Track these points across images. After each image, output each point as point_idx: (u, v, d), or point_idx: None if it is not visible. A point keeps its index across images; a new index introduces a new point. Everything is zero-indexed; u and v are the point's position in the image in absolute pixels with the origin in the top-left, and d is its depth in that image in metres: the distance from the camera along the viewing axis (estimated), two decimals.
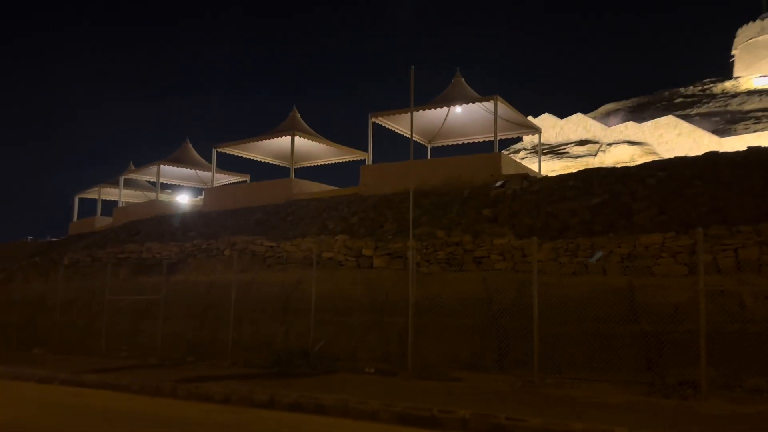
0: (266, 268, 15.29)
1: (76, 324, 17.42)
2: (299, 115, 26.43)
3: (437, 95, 22.00)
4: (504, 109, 20.44)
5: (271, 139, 25.41)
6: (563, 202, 13.70)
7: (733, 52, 46.50)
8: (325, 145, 25.89)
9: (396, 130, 23.21)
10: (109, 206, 36.99)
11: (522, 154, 36.24)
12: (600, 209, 12.71)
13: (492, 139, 27.51)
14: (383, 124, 22.66)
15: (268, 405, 9.00)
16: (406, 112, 21.20)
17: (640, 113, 38.36)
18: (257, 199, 23.08)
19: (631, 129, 34.89)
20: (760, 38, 43.84)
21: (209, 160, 31.09)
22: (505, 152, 25.91)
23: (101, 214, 34.57)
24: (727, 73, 44.99)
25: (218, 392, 9.74)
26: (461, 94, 21.37)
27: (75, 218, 37.51)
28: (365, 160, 27.36)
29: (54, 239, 39.09)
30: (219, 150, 26.50)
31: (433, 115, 22.68)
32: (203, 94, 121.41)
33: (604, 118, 39.28)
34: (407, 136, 24.37)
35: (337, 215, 17.71)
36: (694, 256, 9.58)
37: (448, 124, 23.93)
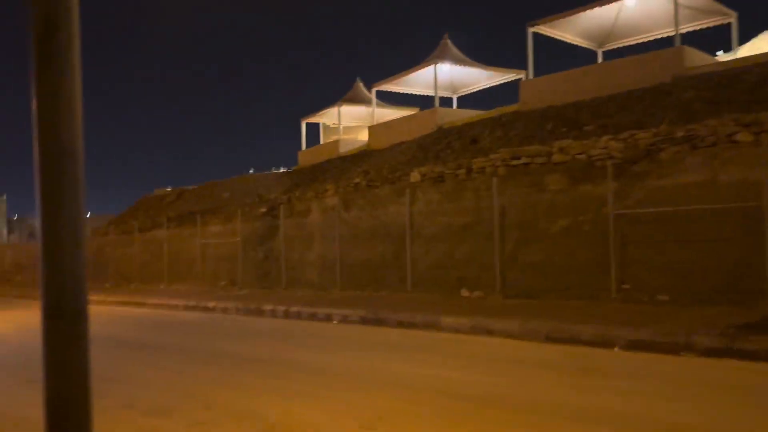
0: None
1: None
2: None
3: None
4: None
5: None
6: None
7: None
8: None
9: (559, 38, 20.92)
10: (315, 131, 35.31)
11: None
12: None
13: (671, 34, 19.48)
14: (544, 33, 20.36)
15: None
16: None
17: None
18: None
19: None
20: None
21: None
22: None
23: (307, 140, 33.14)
24: None
25: None
26: None
27: (304, 146, 33.96)
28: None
29: (288, 170, 35.83)
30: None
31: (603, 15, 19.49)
32: None
33: None
34: (573, 42, 21.55)
35: None
36: None
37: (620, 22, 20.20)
